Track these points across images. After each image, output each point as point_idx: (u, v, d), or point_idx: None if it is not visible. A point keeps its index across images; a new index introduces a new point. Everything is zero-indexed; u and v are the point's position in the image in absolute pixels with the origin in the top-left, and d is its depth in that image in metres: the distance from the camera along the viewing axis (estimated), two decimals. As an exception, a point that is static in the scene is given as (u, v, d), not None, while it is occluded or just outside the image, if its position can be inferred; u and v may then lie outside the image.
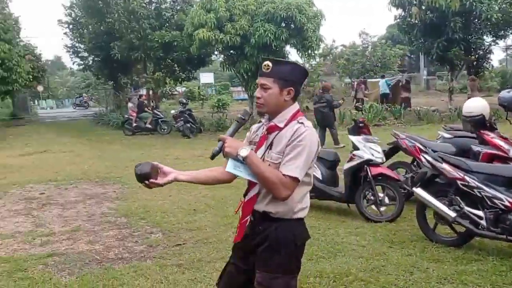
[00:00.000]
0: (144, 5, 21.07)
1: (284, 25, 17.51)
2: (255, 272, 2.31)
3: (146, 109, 18.91)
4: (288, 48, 19.28)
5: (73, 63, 31.97)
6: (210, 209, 6.46)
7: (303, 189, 2.30)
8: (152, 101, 22.81)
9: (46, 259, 4.71)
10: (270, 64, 2.28)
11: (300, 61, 27.86)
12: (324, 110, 11.84)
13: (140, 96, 21.30)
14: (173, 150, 13.17)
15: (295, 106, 2.34)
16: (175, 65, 22.26)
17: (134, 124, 18.31)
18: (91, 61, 29.17)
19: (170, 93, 28.97)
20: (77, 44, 29.65)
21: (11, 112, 32.88)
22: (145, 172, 2.31)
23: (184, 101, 18.58)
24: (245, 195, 2.37)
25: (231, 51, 18.87)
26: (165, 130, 18.14)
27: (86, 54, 29.20)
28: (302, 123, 2.25)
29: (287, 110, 2.31)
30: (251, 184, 2.32)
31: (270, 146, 2.29)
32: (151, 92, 23.72)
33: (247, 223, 2.33)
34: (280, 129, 2.28)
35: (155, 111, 18.98)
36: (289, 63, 2.46)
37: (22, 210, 6.84)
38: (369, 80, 26.89)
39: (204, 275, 4.12)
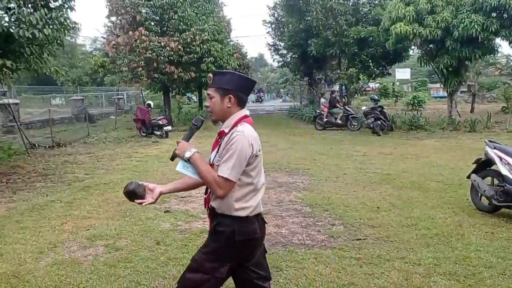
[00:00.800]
0: (342, 1, 21.38)
1: (494, 15, 15.70)
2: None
3: (337, 104, 19.22)
4: (498, 40, 17.23)
5: (273, 60, 34.48)
6: (394, 208, 6.33)
7: (245, 189, 2.50)
8: (344, 97, 23.05)
9: (240, 235, 5.31)
10: (211, 75, 2.53)
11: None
12: None
13: (333, 92, 21.73)
14: (361, 147, 13.16)
15: (241, 112, 2.54)
16: (370, 60, 22.04)
17: (325, 119, 18.82)
18: (289, 58, 30.95)
19: (363, 89, 28.78)
20: (277, 42, 31.87)
21: (220, 104, 37.18)
22: (132, 189, 2.58)
23: (376, 97, 18.31)
24: (206, 192, 2.64)
25: (431, 45, 17.80)
26: (355, 126, 18.17)
27: (285, 52, 31.13)
28: (238, 130, 2.43)
29: (233, 116, 2.53)
30: None
31: (218, 150, 2.52)
32: (343, 88, 23.99)
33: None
34: (226, 134, 2.50)
35: (346, 107, 19.16)
36: (228, 73, 2.59)
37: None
38: None
39: (382, 271, 4.12)
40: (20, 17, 8.23)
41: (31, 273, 4.30)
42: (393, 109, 26.41)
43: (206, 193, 2.64)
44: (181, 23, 19.41)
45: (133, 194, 2.59)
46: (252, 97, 57.54)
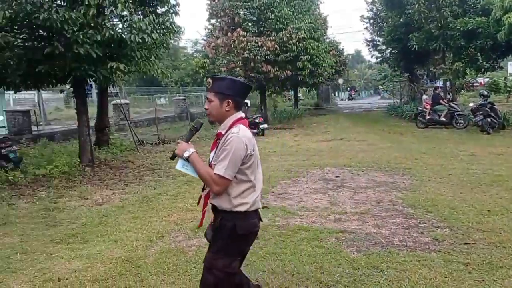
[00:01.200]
0: (447, -8, 20.10)
1: None
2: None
3: (441, 101, 18.13)
4: None
5: (371, 56, 33.49)
6: (507, 212, 5.82)
7: (242, 186, 2.67)
8: (449, 93, 21.68)
9: (338, 234, 5.25)
10: (211, 81, 2.70)
11: None
12: None
13: (436, 88, 20.54)
14: (468, 146, 12.28)
15: (237, 115, 2.71)
16: (478, 54, 20.43)
17: (428, 117, 17.86)
18: (388, 54, 29.86)
19: (470, 84, 26.82)
20: (376, 38, 30.91)
21: (315, 102, 37.06)
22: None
23: (486, 93, 16.94)
24: (203, 189, 2.83)
25: (551, 35, 16.04)
26: (461, 124, 17.01)
27: (384, 47, 30.08)
28: (233, 131, 2.61)
29: (229, 119, 2.70)
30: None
31: (216, 149, 2.70)
32: (448, 83, 22.56)
33: (206, 213, 2.86)
34: (222, 135, 2.67)
35: (451, 103, 18.00)
36: (226, 78, 2.76)
37: (320, 189, 7.73)
38: None
39: (494, 279, 3.82)
40: (132, 23, 8.92)
41: (142, 259, 4.65)
42: (505, 105, 24.27)
43: (203, 190, 2.85)
44: (278, 23, 19.63)
45: None
46: (345, 95, 56.59)
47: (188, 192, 7.85)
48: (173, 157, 2.82)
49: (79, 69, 8.87)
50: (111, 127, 16.13)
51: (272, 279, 4.06)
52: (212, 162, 2.70)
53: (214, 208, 2.79)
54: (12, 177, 8.95)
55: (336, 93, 54.56)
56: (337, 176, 8.69)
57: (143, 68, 10.30)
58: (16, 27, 9.01)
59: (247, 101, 19.48)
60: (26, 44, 9.16)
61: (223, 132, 2.70)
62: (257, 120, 17.34)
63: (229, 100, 2.70)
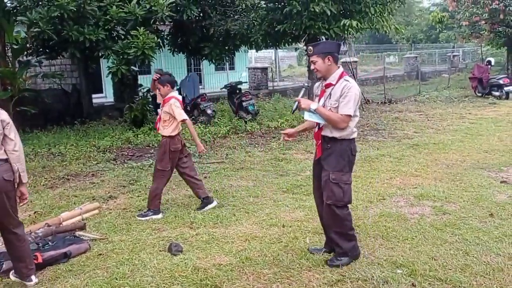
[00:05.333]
0: None
1: None
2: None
3: None
4: None
5: None
6: None
7: (355, 120, 3.51)
8: None
9: None
10: (311, 48, 3.52)
11: None
12: None
13: None
14: None
15: (340, 69, 3.52)
16: None
17: None
18: None
19: None
20: None
21: None
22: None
23: None
24: (319, 128, 3.60)
25: None
26: None
27: None
28: (347, 80, 3.44)
29: (335, 73, 3.50)
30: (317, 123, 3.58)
31: (329, 96, 3.49)
32: None
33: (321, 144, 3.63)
34: (333, 85, 3.48)
35: None
36: (321, 42, 4.25)
37: None
38: None
39: None
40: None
41: (361, 220, 4.62)
42: None
43: (319, 128, 3.58)
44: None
45: None
46: None
47: (413, 156, 7.45)
48: (293, 112, 3.74)
49: (313, 27, 9.09)
50: (339, 85, 16.33)
51: (508, 265, 3.54)
52: (327, 105, 3.46)
53: (330, 138, 3.51)
54: (250, 128, 10.00)
55: None
56: None
57: (376, 24, 9.95)
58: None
59: (490, 59, 17.12)
60: (268, 5, 9.83)
61: (333, 82, 3.47)
62: (500, 82, 15.13)
63: (329, 57, 3.44)
